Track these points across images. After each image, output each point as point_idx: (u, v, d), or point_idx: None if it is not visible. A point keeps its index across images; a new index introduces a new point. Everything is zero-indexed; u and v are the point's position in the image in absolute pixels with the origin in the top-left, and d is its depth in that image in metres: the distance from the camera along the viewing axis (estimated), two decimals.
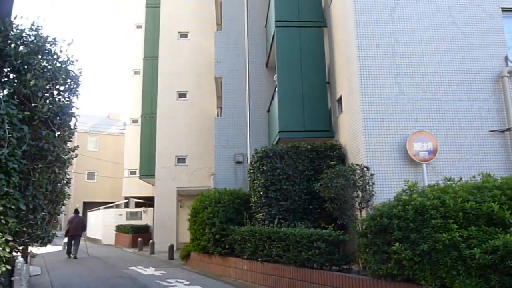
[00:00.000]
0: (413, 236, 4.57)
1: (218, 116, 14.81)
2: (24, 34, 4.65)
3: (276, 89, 10.13)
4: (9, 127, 3.44)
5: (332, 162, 8.28)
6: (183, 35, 17.47)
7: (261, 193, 8.60)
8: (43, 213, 4.68)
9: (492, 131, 7.66)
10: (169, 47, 17.22)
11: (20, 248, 5.13)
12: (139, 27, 22.44)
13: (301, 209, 8.31)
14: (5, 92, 4.08)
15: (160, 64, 17.15)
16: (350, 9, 8.23)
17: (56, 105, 4.60)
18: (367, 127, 7.50)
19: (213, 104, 16.42)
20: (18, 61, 4.32)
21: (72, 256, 13.91)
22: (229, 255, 9.03)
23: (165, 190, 16.09)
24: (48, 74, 4.63)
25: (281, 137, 9.68)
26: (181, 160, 16.36)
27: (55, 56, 4.85)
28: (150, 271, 10.40)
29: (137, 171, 19.49)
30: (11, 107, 3.65)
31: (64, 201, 5.41)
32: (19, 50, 4.45)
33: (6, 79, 4.42)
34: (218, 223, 9.23)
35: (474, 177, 5.03)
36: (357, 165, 7.14)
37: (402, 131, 7.52)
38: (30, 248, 5.91)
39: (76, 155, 5.86)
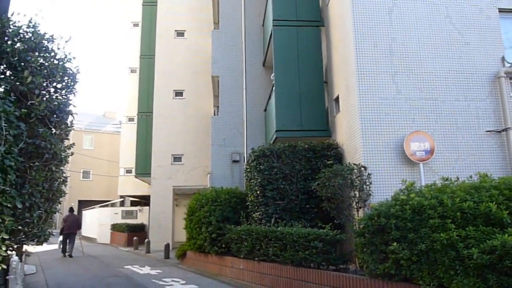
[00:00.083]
0: (411, 235, 4.57)
1: (214, 115, 14.77)
2: (21, 31, 4.60)
3: (273, 88, 10.12)
4: (5, 124, 3.40)
5: (329, 162, 8.29)
6: (180, 33, 17.42)
7: (258, 192, 8.59)
8: (40, 211, 4.63)
9: (489, 131, 7.69)
10: (165, 46, 17.17)
11: (15, 246, 5.08)
12: (135, 25, 22.36)
13: (298, 208, 8.31)
14: (2, 89, 4.04)
15: (157, 63, 17.10)
16: (348, 9, 8.23)
17: (53, 102, 4.56)
18: (364, 127, 7.51)
19: (210, 103, 16.39)
20: (15, 58, 4.27)
21: (67, 254, 13.85)
22: (226, 254, 9.01)
23: (161, 188, 16.04)
24: (45, 71, 4.58)
25: (278, 136, 9.67)
26: (177, 158, 16.31)
27: (52, 54, 4.80)
28: (146, 270, 10.36)
29: (133, 170, 19.42)
30: (7, 104, 3.61)
31: (61, 199, 5.37)
32: (16, 47, 4.40)
33: (2, 76, 4.37)
34: (215, 222, 9.20)
35: (471, 177, 5.05)
36: (354, 164, 7.15)
37: (399, 130, 7.53)
38: (25, 247, 5.86)
39: (72, 153, 5.82)
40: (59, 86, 4.83)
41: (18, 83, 4.22)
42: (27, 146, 4.07)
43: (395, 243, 4.65)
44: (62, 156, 4.92)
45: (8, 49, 4.37)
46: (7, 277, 5.12)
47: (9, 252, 4.74)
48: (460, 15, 8.24)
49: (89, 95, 72.19)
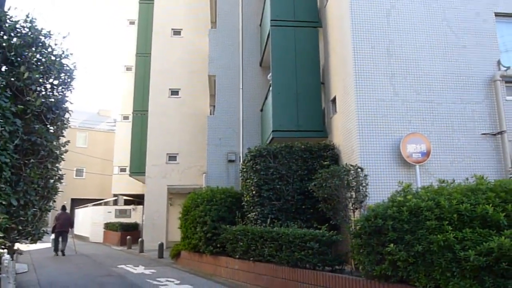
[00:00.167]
0: (407, 237, 4.56)
1: (211, 114, 14.72)
2: (18, 26, 4.53)
3: (270, 88, 10.10)
4: (1, 120, 3.34)
5: (326, 162, 8.29)
6: (177, 32, 17.35)
7: (254, 192, 8.57)
8: (34, 209, 4.57)
9: (484, 134, 7.74)
10: (162, 44, 17.09)
11: (8, 244, 5.01)
12: (132, 23, 22.26)
13: (293, 209, 8.29)
14: None
15: (153, 61, 17.01)
16: (346, 10, 8.23)
17: (49, 99, 4.49)
18: (361, 128, 7.52)
19: (206, 102, 16.34)
20: (12, 53, 4.21)
21: (60, 251, 13.74)
22: (221, 254, 8.97)
23: (156, 188, 15.96)
24: (42, 67, 4.52)
25: (275, 136, 9.65)
26: (172, 158, 16.24)
27: (49, 49, 4.74)
28: (140, 269, 10.29)
29: (127, 168, 19.31)
30: (3, 99, 3.55)
31: (55, 197, 5.30)
32: (12, 42, 4.33)
33: None
34: (210, 222, 9.17)
35: (467, 179, 5.06)
36: (351, 165, 7.15)
37: (396, 132, 7.55)
38: (17, 245, 5.78)
39: (66, 151, 5.75)
40: (55, 82, 4.77)
41: (14, 78, 4.15)
42: (22, 142, 4.01)
43: (392, 245, 4.64)
44: (58, 154, 4.86)
45: (4, 44, 4.31)
46: None
47: (1, 250, 4.68)
48: (457, 18, 8.28)
49: (83, 93, 71.73)
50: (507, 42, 8.52)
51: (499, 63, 8.10)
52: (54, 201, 5.41)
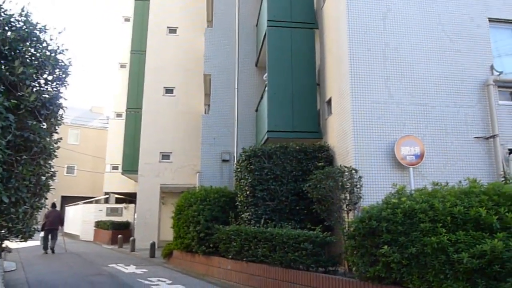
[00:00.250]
0: (401, 239, 4.58)
1: (205, 113, 14.68)
2: (12, 20, 4.45)
3: (266, 88, 10.09)
4: None
5: (320, 164, 8.29)
6: (172, 30, 17.27)
7: (248, 192, 8.55)
8: (25, 206, 4.49)
9: (477, 137, 7.80)
10: (157, 42, 17.00)
11: None
12: (127, 20, 22.13)
13: (287, 209, 8.29)
14: None
15: (148, 59, 16.91)
16: (343, 13, 8.25)
17: (43, 94, 4.42)
18: (356, 130, 7.53)
19: (200, 101, 16.29)
20: (6, 47, 4.13)
21: (49, 248, 13.61)
22: (213, 254, 8.93)
23: (148, 186, 15.87)
24: (36, 62, 4.45)
25: (270, 136, 9.64)
26: (165, 156, 16.16)
27: (44, 44, 4.66)
28: (131, 269, 10.21)
29: (120, 166, 19.19)
30: None
31: (47, 195, 5.22)
32: (7, 35, 4.26)
33: None
34: (203, 222, 9.13)
35: (460, 182, 5.09)
36: (345, 167, 7.16)
37: (390, 134, 7.58)
38: (6, 243, 5.69)
39: (58, 147, 5.68)
40: (50, 78, 4.70)
41: (8, 73, 4.08)
42: (15, 138, 3.94)
43: (386, 246, 4.65)
44: (51, 150, 4.79)
45: None
46: None
47: None
48: (451, 23, 8.35)
49: (76, 89, 71.18)
50: (500, 47, 8.60)
51: (492, 68, 8.17)
52: (46, 199, 5.34)
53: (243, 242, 7.68)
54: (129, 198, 22.23)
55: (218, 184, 11.13)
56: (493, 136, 7.68)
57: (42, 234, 14.05)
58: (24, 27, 4.46)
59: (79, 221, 22.92)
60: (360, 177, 7.09)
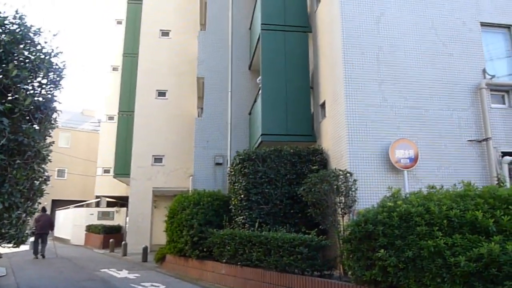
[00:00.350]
0: (398, 242, 4.58)
1: (198, 116, 14.62)
2: (7, 22, 4.37)
3: (260, 91, 10.08)
4: None
5: (314, 167, 8.30)
6: (165, 33, 17.20)
7: (242, 196, 8.51)
8: (19, 212, 4.40)
9: (470, 140, 7.87)
10: (150, 45, 16.91)
11: None
12: (119, 23, 22.00)
13: (282, 213, 8.27)
14: None
15: (140, 62, 16.81)
16: (337, 17, 8.28)
17: (37, 97, 4.34)
18: (350, 133, 7.55)
19: (193, 104, 16.21)
20: (0, 50, 4.05)
21: (40, 254, 13.40)
22: (207, 259, 8.87)
23: (141, 190, 15.74)
24: (31, 65, 4.37)
25: (264, 140, 9.62)
26: (158, 159, 16.05)
27: (38, 47, 4.59)
28: (124, 273, 10.09)
29: (111, 170, 19.00)
30: None
31: (40, 199, 5.13)
32: (1, 38, 4.17)
33: None
34: (197, 225, 9.06)
35: (455, 185, 5.12)
36: (340, 170, 7.16)
37: (384, 138, 7.61)
38: None
39: (51, 151, 5.59)
40: (44, 81, 4.62)
41: (2, 76, 4.00)
42: (8, 142, 3.86)
43: (382, 250, 4.65)
44: (45, 154, 4.71)
45: None
46: None
47: None
48: (444, 27, 8.42)
49: (67, 92, 70.46)
50: (492, 51, 8.70)
51: (484, 71, 8.26)
52: (39, 203, 5.24)
53: (237, 246, 7.64)
54: (121, 201, 22.02)
55: (211, 187, 11.07)
56: (486, 139, 7.75)
57: (32, 238, 13.82)
58: (19, 29, 4.39)
59: (70, 225, 22.63)
60: (355, 180, 7.09)
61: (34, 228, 13.74)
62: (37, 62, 4.45)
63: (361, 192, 7.16)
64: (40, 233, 13.67)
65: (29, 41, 4.51)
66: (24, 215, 4.63)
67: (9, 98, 4.00)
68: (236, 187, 8.85)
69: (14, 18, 4.49)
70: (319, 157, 8.67)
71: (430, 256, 4.20)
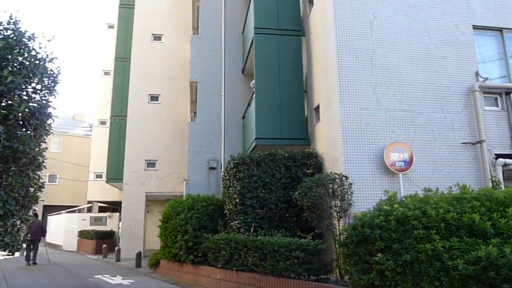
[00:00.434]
0: (395, 246, 4.57)
1: (192, 121, 14.57)
2: (1, 28, 4.30)
3: (254, 95, 10.06)
4: None
5: (309, 171, 8.31)
6: (157, 37, 17.14)
7: (237, 200, 8.47)
8: (13, 219, 4.32)
9: (464, 143, 7.92)
10: (142, 49, 16.85)
11: None
12: (111, 27, 21.90)
13: (277, 217, 8.24)
14: None
15: (132, 66, 16.73)
16: (330, 21, 8.31)
17: (32, 103, 4.28)
18: (345, 136, 7.56)
19: (186, 109, 16.16)
20: None
21: (31, 262, 13.21)
22: (202, 264, 8.81)
23: (133, 195, 15.62)
24: (25, 70, 4.30)
25: (258, 144, 9.60)
26: (151, 164, 15.95)
27: (33, 52, 4.52)
28: (118, 279, 9.98)
29: (104, 175, 18.83)
30: None
31: (35, 206, 5.04)
32: None
33: None
34: (191, 230, 9.00)
35: (450, 188, 5.14)
36: (336, 174, 7.15)
37: (379, 141, 7.63)
38: None
39: (46, 158, 5.50)
40: (38, 86, 4.55)
41: None
42: (3, 149, 3.79)
43: (379, 254, 4.63)
44: (40, 161, 4.64)
45: None
46: None
47: None
48: (437, 30, 8.49)
49: (58, 96, 69.68)
50: (485, 54, 8.79)
51: (477, 74, 8.34)
52: (36, 210, 5.16)
53: (232, 250, 7.59)
54: (113, 206, 21.83)
55: (205, 192, 11.02)
56: (480, 142, 7.81)
57: (24, 245, 13.63)
58: (13, 35, 4.32)
59: (62, 230, 22.37)
60: (351, 184, 7.09)
61: (29, 235, 13.57)
62: (31, 68, 4.38)
63: (356, 195, 7.16)
64: (32, 239, 13.49)
65: (23, 47, 4.44)
66: (19, 222, 4.56)
67: (3, 104, 3.94)
68: (230, 192, 8.81)
69: (9, 23, 4.43)
70: (313, 161, 8.67)
71: (427, 260, 4.20)
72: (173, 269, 10.19)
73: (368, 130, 7.67)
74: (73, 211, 23.71)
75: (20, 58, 4.34)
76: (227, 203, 8.97)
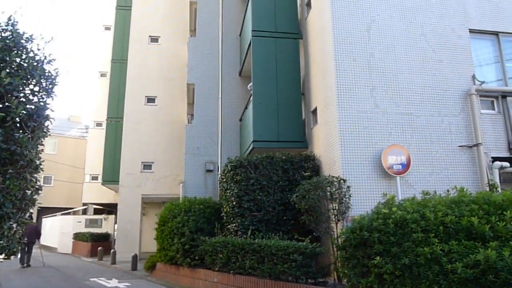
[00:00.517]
0: (394, 249, 4.57)
1: (189, 123, 14.54)
2: None
3: (251, 98, 10.06)
4: None
5: (307, 173, 8.29)
6: (154, 39, 17.11)
7: (234, 203, 8.44)
8: (10, 223, 4.28)
9: (461, 146, 7.95)
10: (139, 51, 16.80)
11: None
12: (107, 28, 21.85)
13: (274, 220, 8.22)
14: None
15: (129, 68, 16.68)
16: (328, 24, 8.33)
17: (29, 105, 4.24)
18: (343, 139, 7.57)
19: (183, 111, 16.13)
20: None
21: (25, 264, 13.10)
22: (199, 267, 8.76)
23: (130, 197, 15.54)
24: (23, 72, 4.27)
25: (255, 146, 9.59)
26: (147, 166, 15.88)
27: (31, 54, 4.49)
28: (114, 283, 9.91)
29: (99, 177, 18.75)
30: None
31: (32, 209, 4.99)
32: None
33: None
34: (188, 233, 8.96)
35: (448, 191, 5.16)
36: (334, 177, 7.15)
37: (377, 144, 7.64)
38: None
39: (43, 160, 5.45)
40: (36, 88, 4.52)
41: None
42: (0, 152, 3.76)
43: (378, 257, 4.63)
44: (37, 163, 4.60)
45: None
46: None
47: None
48: (434, 33, 8.53)
49: (55, 98, 69.32)
50: (481, 57, 8.84)
51: (474, 77, 8.39)
52: (31, 213, 5.12)
53: (230, 253, 7.56)
54: (109, 208, 21.72)
55: (202, 194, 10.99)
56: (477, 145, 7.85)
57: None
58: (11, 36, 4.29)
59: (57, 233, 22.22)
60: (349, 187, 7.09)
61: (25, 238, 13.46)
62: (29, 69, 4.35)
63: (354, 198, 7.16)
64: (27, 242, 13.38)
65: (21, 48, 4.41)
66: (15, 225, 4.51)
67: (1, 106, 3.90)
68: (228, 194, 8.79)
69: (6, 24, 4.40)
70: (311, 164, 8.66)
71: (426, 263, 4.20)
72: (169, 272, 10.14)
73: (366, 133, 7.68)
74: (68, 213, 23.56)
75: (18, 60, 4.31)
76: (224, 206, 8.94)
